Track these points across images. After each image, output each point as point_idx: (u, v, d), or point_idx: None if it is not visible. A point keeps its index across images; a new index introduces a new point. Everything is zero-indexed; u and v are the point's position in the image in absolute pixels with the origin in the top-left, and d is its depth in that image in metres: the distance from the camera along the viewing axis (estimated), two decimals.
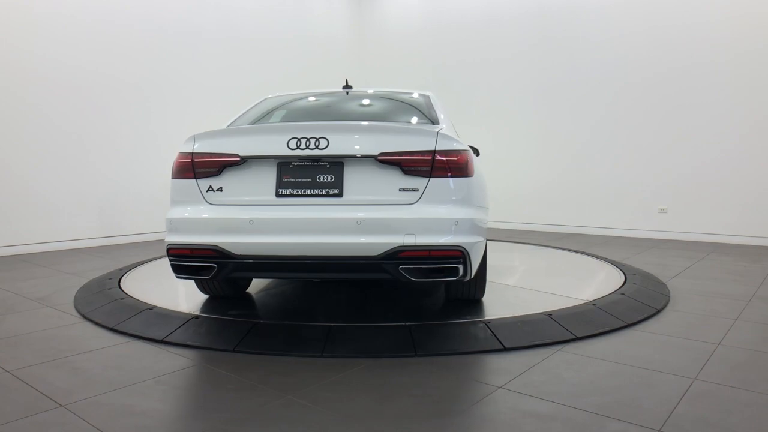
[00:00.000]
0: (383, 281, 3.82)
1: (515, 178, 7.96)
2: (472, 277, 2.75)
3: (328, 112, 3.56)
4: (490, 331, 2.77)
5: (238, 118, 3.44)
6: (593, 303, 3.28)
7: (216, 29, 7.41)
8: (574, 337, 2.80)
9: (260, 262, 2.65)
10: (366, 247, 2.53)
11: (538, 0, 7.81)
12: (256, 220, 2.62)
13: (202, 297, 3.55)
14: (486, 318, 2.94)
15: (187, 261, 2.72)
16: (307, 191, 2.66)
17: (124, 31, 6.43)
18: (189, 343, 2.74)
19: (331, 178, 2.65)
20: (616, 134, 7.27)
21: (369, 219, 2.55)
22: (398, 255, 2.53)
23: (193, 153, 2.79)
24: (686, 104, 6.72)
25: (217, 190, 2.74)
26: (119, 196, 6.30)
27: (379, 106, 3.63)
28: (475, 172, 2.81)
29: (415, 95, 3.60)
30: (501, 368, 2.42)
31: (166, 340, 2.79)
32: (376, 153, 2.61)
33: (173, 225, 2.76)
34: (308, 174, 2.67)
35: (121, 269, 4.47)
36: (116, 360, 2.57)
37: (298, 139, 2.65)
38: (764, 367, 2.45)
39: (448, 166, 2.63)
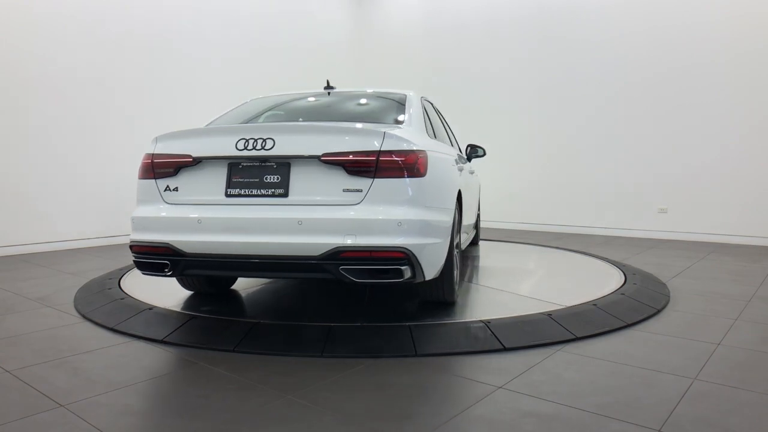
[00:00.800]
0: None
1: (515, 178, 7.97)
2: (426, 278, 2.70)
3: (303, 112, 3.59)
4: (490, 331, 2.77)
5: (217, 118, 3.51)
6: (593, 303, 3.28)
7: (216, 30, 7.42)
8: (574, 337, 2.80)
9: (209, 261, 2.71)
10: (306, 247, 2.55)
11: (538, 1, 7.81)
12: (204, 219, 2.69)
13: (202, 297, 3.55)
14: (486, 318, 2.94)
15: (145, 258, 2.82)
16: (255, 191, 2.70)
17: (124, 33, 6.43)
18: (189, 343, 2.74)
19: (278, 179, 2.68)
20: (617, 134, 7.27)
21: (310, 219, 2.57)
22: (338, 255, 2.52)
23: (153, 154, 2.90)
24: (686, 104, 6.73)
25: (174, 189, 2.83)
26: (119, 196, 6.30)
27: (353, 106, 3.63)
28: (431, 172, 2.75)
29: (393, 95, 3.55)
30: (501, 368, 2.42)
31: (166, 340, 2.79)
32: (320, 153, 2.62)
33: (135, 223, 2.88)
34: (256, 174, 2.71)
35: (121, 269, 4.47)
36: (116, 360, 2.57)
37: (246, 140, 2.69)
38: (764, 367, 2.45)
39: (394, 166, 2.59)
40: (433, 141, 3.24)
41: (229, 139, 2.74)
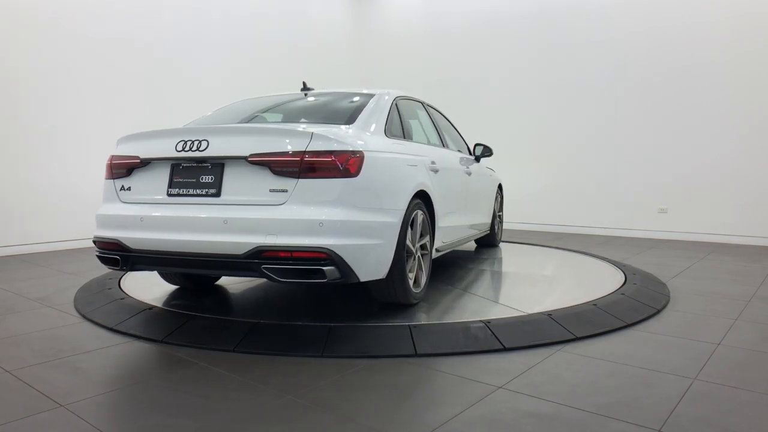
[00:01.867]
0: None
1: (515, 178, 7.97)
2: (360, 280, 2.72)
3: (274, 112, 3.63)
4: (490, 331, 2.77)
5: (192, 121, 3.62)
6: (593, 303, 3.28)
7: (216, 30, 7.42)
8: (574, 337, 2.80)
9: (150, 257, 2.85)
10: (231, 245, 2.61)
11: (538, 1, 7.81)
12: (145, 217, 2.84)
13: (202, 297, 3.55)
14: (486, 318, 2.94)
15: (102, 252, 3.01)
16: (191, 191, 2.81)
17: (124, 33, 6.43)
18: (189, 343, 2.74)
19: (212, 179, 2.77)
20: (617, 134, 7.27)
21: (234, 219, 2.63)
22: (260, 255, 2.57)
23: (112, 155, 3.08)
24: (686, 104, 6.73)
25: (127, 189, 3.00)
26: None
27: (319, 107, 3.64)
28: (368, 172, 2.74)
29: (362, 96, 3.51)
30: (501, 368, 2.42)
31: (166, 340, 2.79)
32: (247, 154, 2.67)
33: (96, 220, 3.07)
34: (193, 175, 2.81)
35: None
36: (116, 360, 2.57)
37: (185, 142, 2.80)
38: (764, 367, 2.45)
39: (319, 166, 2.62)
40: (389, 141, 3.19)
41: (170, 141, 2.85)
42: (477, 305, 3.31)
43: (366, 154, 2.76)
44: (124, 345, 2.77)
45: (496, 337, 2.73)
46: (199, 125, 3.00)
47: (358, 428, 1.86)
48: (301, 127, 2.88)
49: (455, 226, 4.08)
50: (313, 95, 3.82)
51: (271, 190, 2.64)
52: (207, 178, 2.78)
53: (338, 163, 2.64)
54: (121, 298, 3.46)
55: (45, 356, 2.59)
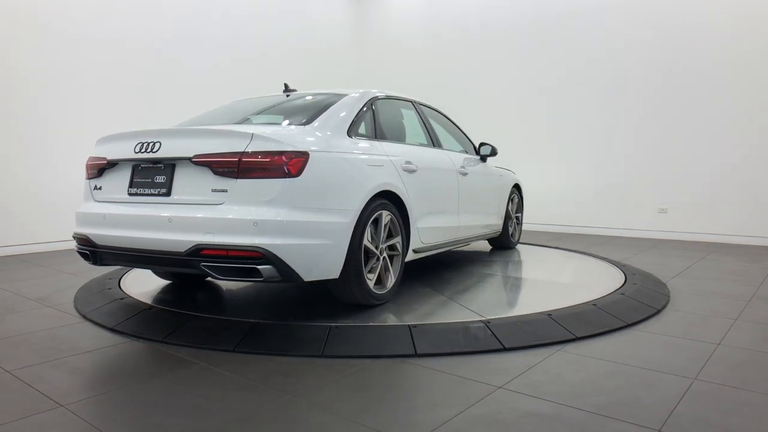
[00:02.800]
0: None
1: None
2: (304, 279, 2.74)
3: (250, 112, 3.64)
4: (490, 331, 2.77)
5: (183, 121, 3.72)
6: (593, 303, 3.28)
7: (215, 30, 7.42)
8: (574, 337, 2.80)
9: (112, 252, 3.00)
10: (174, 243, 2.70)
11: (537, 2, 7.81)
12: (107, 215, 3.01)
13: (202, 297, 3.55)
14: (486, 318, 2.94)
15: (78, 247, 3.19)
16: (147, 190, 2.94)
17: (123, 33, 6.43)
18: (189, 343, 2.74)
19: (164, 179, 2.88)
20: (616, 134, 7.28)
21: (177, 217, 2.73)
22: (199, 253, 2.64)
23: (89, 157, 3.27)
24: (686, 105, 6.73)
25: (99, 188, 3.17)
26: None
27: (292, 107, 3.64)
28: (314, 172, 2.77)
29: (334, 96, 3.52)
30: (501, 368, 2.42)
31: (166, 340, 2.79)
32: (191, 155, 2.76)
33: (76, 217, 3.22)
34: (149, 175, 2.94)
35: (121, 269, 4.47)
36: (116, 360, 2.57)
37: (142, 144, 2.93)
38: (764, 367, 2.45)
39: (258, 167, 2.66)
40: (350, 141, 3.19)
41: (131, 143, 2.99)
42: (475, 305, 3.30)
43: (312, 155, 2.79)
44: (124, 345, 2.77)
45: (496, 337, 2.73)
46: (154, 129, 3.06)
47: (358, 428, 1.86)
48: (243, 128, 2.91)
49: (443, 227, 4.02)
50: (294, 96, 3.85)
51: (212, 190, 2.71)
52: (160, 179, 2.89)
53: (277, 163, 2.67)
54: (121, 298, 3.46)
55: (45, 356, 2.59)
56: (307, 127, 3.07)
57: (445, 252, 5.06)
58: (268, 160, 2.67)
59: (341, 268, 2.93)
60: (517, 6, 8.00)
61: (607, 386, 2.21)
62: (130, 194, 2.99)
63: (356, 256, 2.99)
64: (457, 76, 8.61)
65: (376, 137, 3.50)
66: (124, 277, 4.15)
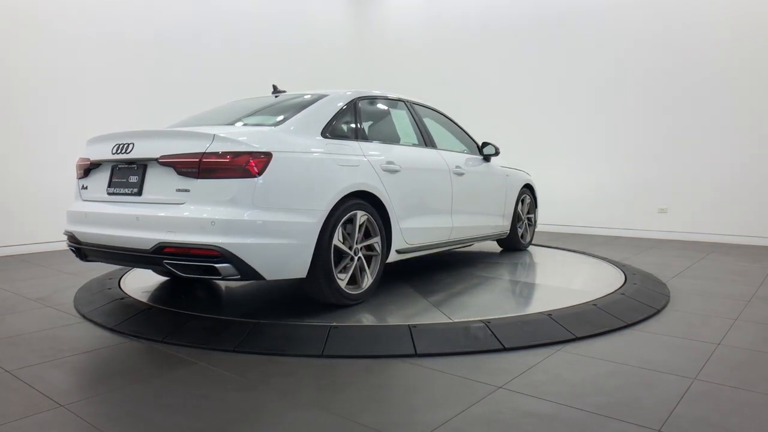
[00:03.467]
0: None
1: None
2: (266, 278, 2.78)
3: (240, 113, 3.63)
4: (490, 331, 2.77)
5: (181, 121, 3.78)
6: (593, 303, 3.28)
7: (215, 30, 7.41)
8: (574, 337, 2.80)
9: (93, 249, 3.11)
10: (140, 241, 2.80)
11: (537, 2, 7.81)
12: (88, 213, 3.14)
13: (202, 297, 3.55)
14: (486, 318, 2.94)
15: (68, 244, 3.32)
16: (122, 190, 3.04)
17: (129, 35, 6.43)
18: (189, 343, 2.74)
19: (137, 179, 2.97)
20: (616, 134, 7.28)
21: (144, 216, 2.83)
22: (162, 250, 2.72)
23: (79, 157, 3.38)
24: (686, 104, 6.73)
25: (86, 188, 3.29)
26: None
27: (275, 108, 3.62)
28: (276, 173, 2.79)
29: (314, 97, 3.53)
30: (501, 368, 2.42)
31: (165, 340, 2.79)
32: (158, 156, 2.85)
33: (66, 215, 3.33)
34: (125, 175, 3.04)
35: (121, 269, 4.47)
36: (116, 360, 2.57)
37: (118, 145, 3.04)
38: (764, 367, 2.45)
39: (217, 167, 2.72)
40: (324, 141, 3.19)
41: (109, 144, 3.10)
42: (475, 305, 3.30)
43: (276, 155, 2.82)
44: (124, 345, 2.77)
45: (496, 337, 2.73)
46: (129, 130, 3.15)
47: (358, 428, 1.86)
48: (206, 129, 2.95)
49: (433, 228, 3.97)
50: (283, 97, 3.84)
51: (177, 190, 2.79)
52: (133, 179, 2.99)
53: (237, 163, 2.71)
54: (121, 298, 3.46)
55: (45, 356, 2.59)
56: (278, 127, 3.10)
57: (444, 253, 5.06)
58: (227, 160, 2.71)
59: (308, 267, 2.94)
60: (518, 5, 8.00)
61: (607, 386, 2.21)
62: (109, 194, 3.10)
63: (325, 255, 3.00)
64: (457, 75, 8.60)
65: (356, 137, 3.49)
66: (124, 277, 4.15)
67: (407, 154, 3.84)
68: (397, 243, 3.57)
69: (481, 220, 4.69)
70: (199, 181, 2.72)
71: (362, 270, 3.31)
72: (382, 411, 2.01)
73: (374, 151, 3.50)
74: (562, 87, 7.65)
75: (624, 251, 5.77)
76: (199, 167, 2.72)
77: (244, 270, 2.69)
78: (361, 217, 3.24)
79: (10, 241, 5.61)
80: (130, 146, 2.97)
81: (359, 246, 3.26)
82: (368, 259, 3.38)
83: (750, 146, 6.35)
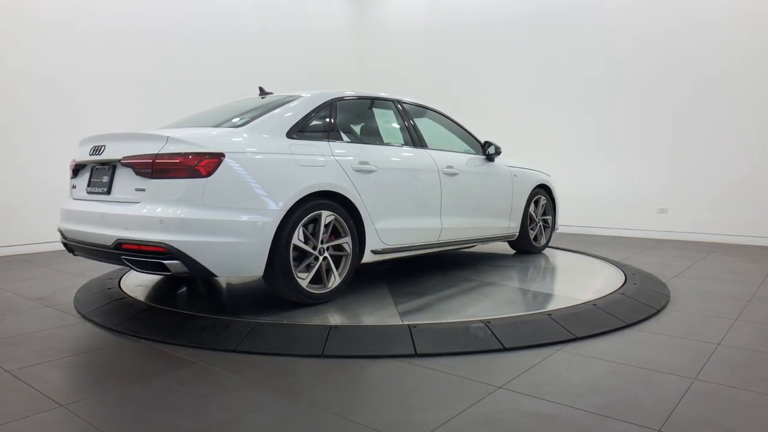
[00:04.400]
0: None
1: None
2: (217, 275, 2.89)
3: (224, 115, 3.66)
4: (490, 331, 2.77)
5: (175, 121, 3.87)
6: (593, 303, 3.28)
7: (215, 29, 7.41)
8: (574, 337, 2.80)
9: (74, 244, 3.29)
10: (103, 237, 2.97)
11: (539, 0, 7.80)
12: (71, 211, 3.33)
13: (202, 297, 3.55)
14: (486, 318, 2.94)
15: (60, 240, 3.50)
16: (96, 189, 3.22)
17: (128, 33, 6.43)
18: (189, 343, 2.74)
19: (107, 179, 3.15)
20: (616, 134, 7.27)
21: (106, 214, 3.02)
22: (120, 246, 2.88)
23: (71, 158, 3.57)
24: (686, 104, 6.73)
25: (75, 187, 3.49)
26: None
27: (247, 110, 3.63)
28: (226, 173, 2.87)
29: (290, 99, 3.58)
30: (501, 368, 2.42)
31: (165, 340, 2.79)
32: (120, 158, 3.03)
33: (59, 213, 3.53)
34: (99, 175, 3.22)
35: (121, 269, 4.47)
36: (116, 360, 2.57)
37: (94, 147, 3.24)
38: (764, 367, 2.45)
39: (169, 168, 2.85)
40: (288, 142, 3.23)
41: (88, 147, 3.32)
42: (474, 305, 3.30)
43: (228, 155, 2.90)
44: (124, 345, 2.77)
45: (496, 337, 2.73)
46: (104, 133, 3.32)
47: (358, 428, 1.86)
48: (162, 131, 3.09)
49: (417, 229, 3.90)
50: (267, 99, 3.83)
51: (135, 189, 2.94)
52: (105, 179, 3.16)
53: (188, 164, 2.83)
54: (121, 298, 3.46)
55: (45, 356, 2.59)
56: (240, 128, 3.17)
57: (446, 253, 5.06)
58: (178, 161, 2.83)
59: (264, 266, 2.99)
60: (519, 3, 7.99)
61: (607, 386, 2.21)
62: (88, 192, 3.30)
63: (283, 254, 3.03)
64: (457, 74, 8.60)
65: (328, 138, 3.49)
66: (124, 277, 4.15)
67: (386, 154, 3.79)
68: (372, 243, 3.56)
69: (482, 222, 4.58)
70: (153, 181, 2.86)
71: (329, 270, 3.32)
72: (382, 411, 2.01)
73: (346, 152, 3.50)
74: (562, 86, 7.65)
75: (624, 251, 5.77)
76: (153, 168, 2.87)
77: (193, 267, 2.78)
78: (327, 217, 3.26)
79: (10, 241, 5.61)
80: (102, 148, 3.16)
81: (325, 246, 3.28)
82: (339, 258, 3.39)
83: (750, 146, 6.34)
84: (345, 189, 3.35)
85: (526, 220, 5.09)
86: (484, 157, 4.67)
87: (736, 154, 6.43)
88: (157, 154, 2.87)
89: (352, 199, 3.39)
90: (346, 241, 3.39)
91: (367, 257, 3.55)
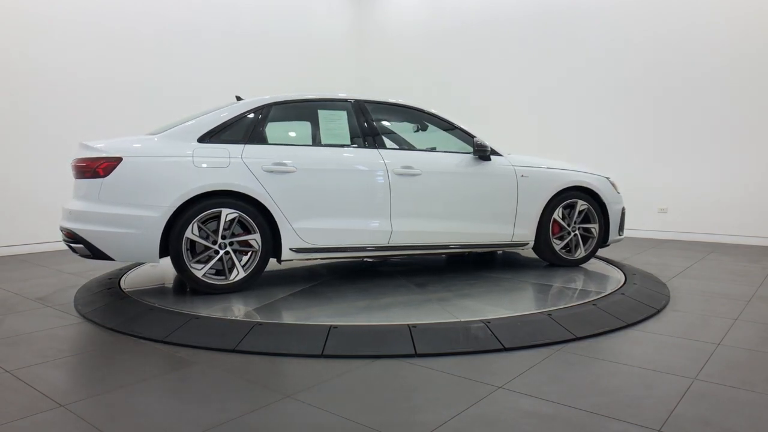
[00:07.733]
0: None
1: None
2: (115, 259, 3.38)
3: (180, 121, 3.93)
4: (490, 331, 2.77)
5: (170, 122, 4.06)
6: (593, 303, 3.28)
7: (215, 29, 7.41)
8: (574, 337, 2.80)
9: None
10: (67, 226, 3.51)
11: (540, 1, 7.80)
12: (64, 209, 3.62)
13: (202, 297, 3.55)
14: (486, 318, 2.94)
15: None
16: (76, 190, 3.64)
17: (128, 33, 6.43)
18: (189, 343, 2.75)
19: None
20: (616, 134, 7.27)
21: (65, 209, 3.56)
22: (64, 233, 3.53)
23: None
24: (687, 104, 6.72)
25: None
26: None
27: (197, 116, 3.87)
28: (123, 174, 3.35)
29: (226, 107, 3.83)
30: (501, 368, 2.42)
31: (166, 340, 2.79)
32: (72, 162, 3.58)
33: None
34: (77, 176, 3.60)
35: (121, 269, 4.47)
36: (116, 360, 2.57)
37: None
38: (764, 367, 2.45)
39: (79, 170, 3.46)
40: (198, 146, 3.53)
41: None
42: (474, 305, 3.30)
43: (126, 159, 3.37)
44: (124, 345, 2.77)
45: (496, 337, 2.73)
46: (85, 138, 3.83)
47: (358, 428, 1.87)
48: (86, 141, 3.58)
49: (356, 230, 3.80)
50: (219, 107, 4.01)
51: (75, 188, 3.56)
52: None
53: (90, 166, 3.39)
54: (122, 298, 3.46)
55: (45, 356, 2.59)
56: (159, 134, 3.61)
57: (442, 255, 5.05)
58: (83, 165, 3.43)
59: (157, 254, 3.41)
60: (520, 4, 7.99)
61: (607, 386, 2.22)
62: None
63: (175, 246, 3.40)
64: (457, 74, 8.59)
65: (247, 141, 3.66)
66: (124, 277, 4.15)
67: (311, 155, 3.76)
68: (290, 242, 3.66)
69: (465, 226, 4.12)
70: (76, 180, 3.50)
71: (232, 263, 3.57)
72: (382, 411, 2.01)
73: (260, 153, 3.63)
74: (562, 86, 7.64)
75: (624, 251, 5.77)
76: (74, 170, 3.51)
77: (94, 251, 3.36)
78: (228, 214, 3.49)
79: (10, 241, 5.61)
80: (78, 153, 3.59)
81: (227, 241, 3.52)
82: (246, 254, 3.64)
83: (750, 146, 6.34)
84: (250, 189, 3.53)
85: (547, 227, 4.38)
86: (474, 156, 4.21)
87: (736, 155, 6.42)
88: (76, 158, 3.49)
89: (260, 199, 3.57)
90: (254, 238, 3.58)
91: (289, 255, 3.69)
